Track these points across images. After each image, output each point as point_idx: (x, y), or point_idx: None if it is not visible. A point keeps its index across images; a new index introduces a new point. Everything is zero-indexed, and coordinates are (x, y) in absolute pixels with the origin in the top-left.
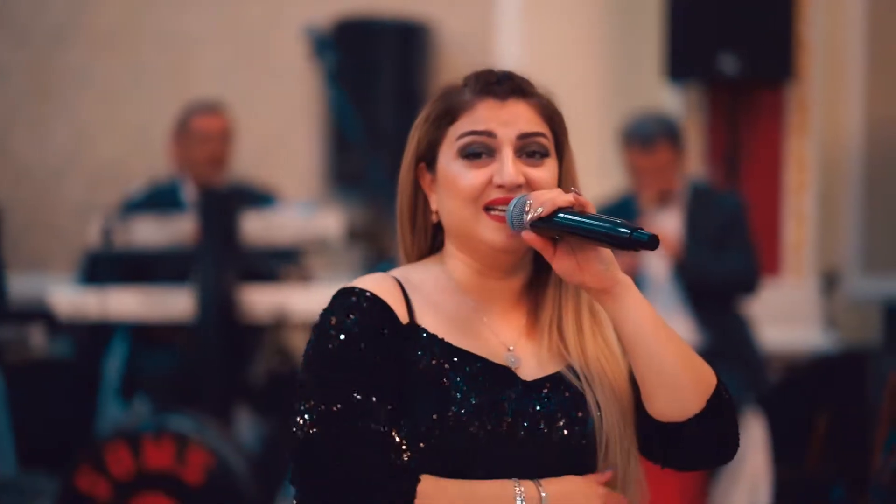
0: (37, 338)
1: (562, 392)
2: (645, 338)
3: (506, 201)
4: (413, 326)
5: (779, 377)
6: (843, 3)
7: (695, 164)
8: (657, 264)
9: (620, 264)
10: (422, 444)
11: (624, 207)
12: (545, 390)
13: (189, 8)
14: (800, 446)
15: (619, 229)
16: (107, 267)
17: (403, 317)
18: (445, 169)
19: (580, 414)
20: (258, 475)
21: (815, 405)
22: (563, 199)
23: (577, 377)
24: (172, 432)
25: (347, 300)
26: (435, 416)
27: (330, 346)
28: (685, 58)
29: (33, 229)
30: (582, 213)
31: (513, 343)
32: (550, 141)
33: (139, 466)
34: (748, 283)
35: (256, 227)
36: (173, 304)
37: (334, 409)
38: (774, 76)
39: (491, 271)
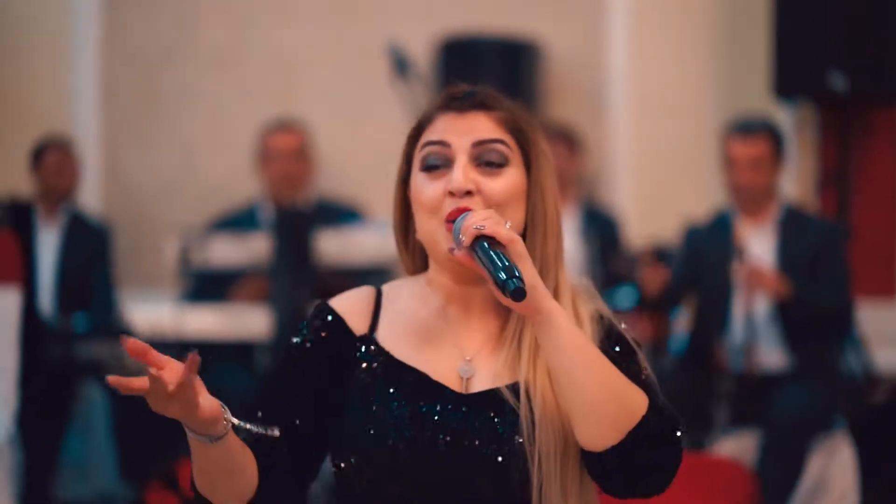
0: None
1: (494, 408)
2: (564, 367)
3: (459, 212)
4: (366, 338)
5: (882, 400)
6: None
7: (806, 183)
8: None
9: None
10: (352, 456)
11: (720, 224)
12: (478, 406)
13: (294, 26)
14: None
15: (498, 273)
16: (206, 285)
17: (361, 329)
18: (413, 183)
19: (508, 433)
20: (333, 494)
21: None
22: (490, 230)
23: (517, 394)
24: None
25: (311, 314)
26: (358, 427)
27: (282, 351)
28: (794, 75)
29: (141, 247)
30: (493, 248)
31: (473, 353)
32: (513, 151)
33: None
34: (840, 317)
35: (333, 246)
36: (250, 322)
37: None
38: (887, 94)
39: (465, 280)
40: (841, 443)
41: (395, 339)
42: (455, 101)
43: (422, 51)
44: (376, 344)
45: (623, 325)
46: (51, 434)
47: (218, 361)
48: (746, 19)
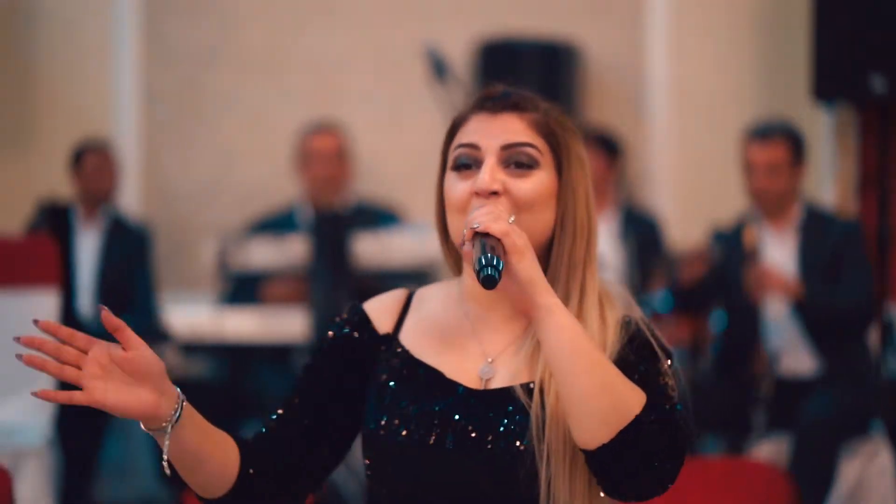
0: (171, 358)
1: (505, 406)
2: (560, 363)
3: None
4: (389, 338)
5: None
6: None
7: (846, 186)
8: (777, 300)
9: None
10: (371, 453)
11: (742, 229)
12: (489, 403)
13: (335, 31)
14: None
15: (474, 264)
16: (245, 288)
17: (385, 328)
18: (445, 182)
19: (517, 430)
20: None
21: None
22: (483, 226)
23: (531, 393)
24: None
25: (342, 313)
26: (374, 423)
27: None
28: (834, 78)
29: (180, 249)
30: (487, 242)
31: (496, 354)
32: (544, 154)
33: None
34: (861, 318)
35: (371, 249)
36: (288, 325)
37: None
38: None
39: None
40: (880, 447)
41: (417, 340)
42: (489, 102)
43: (461, 54)
44: (398, 343)
45: (655, 333)
46: (90, 437)
47: (256, 363)
48: (786, 22)
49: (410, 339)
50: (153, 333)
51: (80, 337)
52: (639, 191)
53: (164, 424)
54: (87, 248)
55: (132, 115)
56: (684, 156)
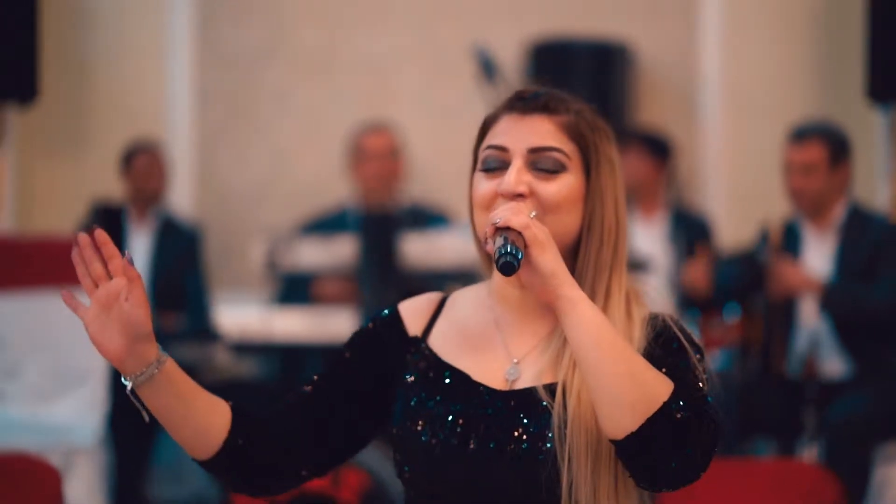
0: (222, 358)
1: (528, 407)
2: (586, 353)
3: None
4: (417, 341)
5: None
6: None
7: None
8: (808, 300)
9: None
10: (397, 453)
11: (788, 232)
12: (512, 405)
13: (387, 31)
14: None
15: (494, 254)
16: (295, 288)
17: (416, 330)
18: (473, 182)
19: (539, 431)
20: None
21: None
22: (503, 221)
23: (554, 393)
24: None
25: (379, 311)
26: (400, 424)
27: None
28: (889, 79)
29: (233, 249)
30: (508, 236)
31: (522, 356)
32: (572, 157)
33: None
34: (893, 319)
35: (419, 250)
36: (337, 324)
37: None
38: None
39: (517, 283)
40: None
41: (445, 342)
42: (520, 102)
43: (512, 55)
44: (426, 346)
45: (684, 328)
46: (143, 436)
47: (306, 363)
48: (841, 23)
49: (439, 342)
50: (204, 333)
51: (116, 262)
52: (691, 191)
53: (126, 380)
54: (139, 248)
55: (186, 117)
56: (737, 156)
